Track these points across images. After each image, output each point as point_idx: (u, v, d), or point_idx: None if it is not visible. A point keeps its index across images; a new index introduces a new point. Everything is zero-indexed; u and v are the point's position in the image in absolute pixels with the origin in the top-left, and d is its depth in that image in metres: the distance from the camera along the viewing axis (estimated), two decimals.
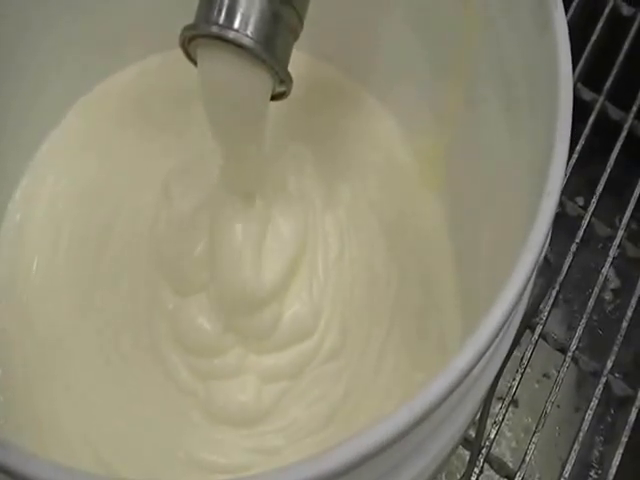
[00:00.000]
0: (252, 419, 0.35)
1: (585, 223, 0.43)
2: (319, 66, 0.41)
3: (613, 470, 0.38)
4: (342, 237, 0.38)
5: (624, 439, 0.38)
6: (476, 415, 0.30)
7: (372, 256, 0.38)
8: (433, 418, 0.21)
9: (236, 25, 0.26)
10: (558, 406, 0.47)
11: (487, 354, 0.21)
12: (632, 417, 0.39)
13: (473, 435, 0.38)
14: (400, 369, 0.35)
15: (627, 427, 0.39)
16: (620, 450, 0.38)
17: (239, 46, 0.26)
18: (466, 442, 0.38)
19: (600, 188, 0.44)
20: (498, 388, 0.38)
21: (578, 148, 0.44)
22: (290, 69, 0.29)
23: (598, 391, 0.40)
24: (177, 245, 0.36)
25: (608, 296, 0.51)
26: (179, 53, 0.28)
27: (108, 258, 0.37)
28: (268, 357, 0.36)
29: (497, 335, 0.21)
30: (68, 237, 0.37)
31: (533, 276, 0.27)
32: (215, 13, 0.26)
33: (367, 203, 0.39)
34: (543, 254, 0.26)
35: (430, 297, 0.37)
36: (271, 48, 0.26)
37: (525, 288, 0.22)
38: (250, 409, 0.35)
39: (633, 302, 0.42)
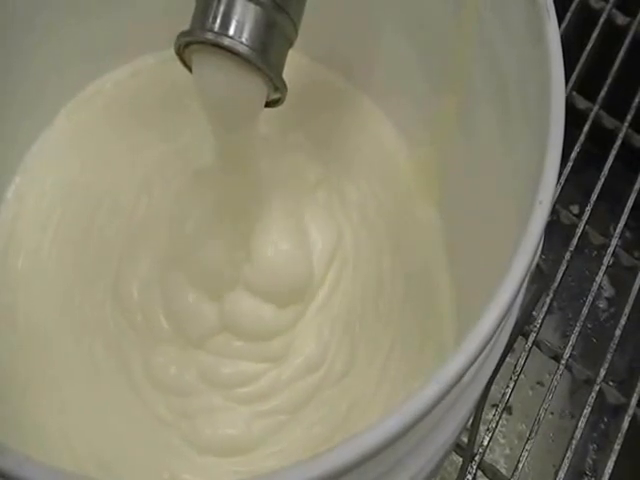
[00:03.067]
0: (243, 449, 0.34)
1: (579, 231, 0.43)
2: (319, 69, 0.41)
3: (606, 478, 0.38)
4: (357, 244, 0.38)
5: (617, 447, 0.38)
6: (468, 421, 0.30)
7: (380, 263, 0.37)
8: (424, 424, 0.22)
9: (231, 32, 0.26)
10: (552, 413, 0.47)
11: (479, 360, 0.22)
12: (625, 425, 0.39)
13: (466, 441, 0.38)
14: (400, 379, 0.35)
15: (620, 435, 0.39)
16: (613, 458, 0.38)
17: (234, 53, 0.26)
18: (460, 449, 0.38)
19: (594, 197, 0.44)
20: (492, 395, 0.38)
21: (573, 156, 0.44)
22: (289, 72, 0.29)
23: (591, 399, 0.40)
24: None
25: (602, 304, 0.51)
26: (171, 53, 0.28)
27: (88, 257, 0.37)
28: (262, 404, 0.35)
29: (488, 342, 0.21)
30: (52, 236, 0.37)
31: (525, 283, 0.27)
32: (210, 20, 0.26)
33: (373, 205, 0.39)
34: (535, 262, 0.26)
35: (430, 305, 0.36)
36: (266, 55, 0.26)
37: (516, 296, 0.22)
38: (241, 440, 0.33)
39: (627, 310, 0.42)
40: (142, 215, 0.37)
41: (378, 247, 0.38)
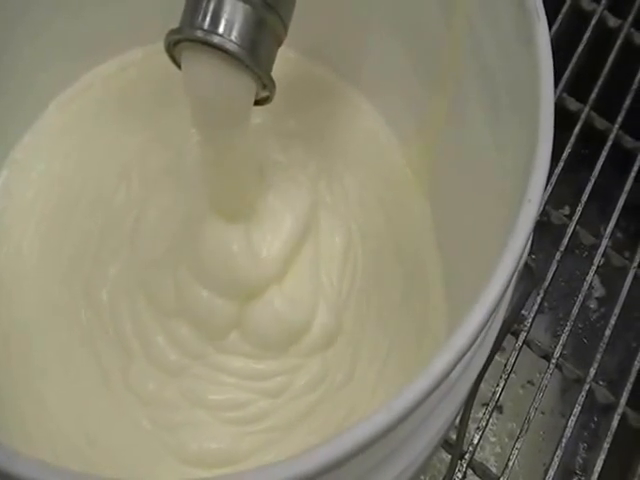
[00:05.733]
0: (231, 461, 0.32)
1: (570, 232, 0.44)
2: (310, 64, 0.41)
3: (595, 476, 0.38)
4: (363, 247, 0.37)
5: (606, 445, 0.39)
6: (456, 418, 0.30)
7: (380, 264, 0.37)
8: (412, 419, 0.22)
9: (221, 30, 0.26)
10: (542, 412, 0.47)
11: (466, 357, 0.22)
12: (615, 424, 0.39)
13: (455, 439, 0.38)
14: (396, 382, 0.34)
15: (610, 434, 0.39)
16: (603, 456, 0.38)
17: (223, 51, 0.26)
18: (449, 446, 0.38)
19: (585, 197, 0.44)
20: (482, 393, 0.38)
21: (564, 157, 0.44)
22: (280, 66, 0.29)
23: (582, 398, 0.40)
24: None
25: (593, 304, 0.51)
26: (160, 47, 0.28)
27: (65, 251, 0.36)
28: (254, 425, 0.33)
29: (475, 339, 0.21)
30: (34, 229, 0.37)
31: (513, 282, 0.27)
32: (200, 18, 0.26)
33: (373, 203, 0.38)
34: (523, 260, 0.26)
35: (425, 304, 0.36)
36: (255, 53, 0.26)
37: (503, 294, 0.22)
38: (229, 454, 0.32)
39: (617, 310, 0.42)
40: (118, 207, 0.37)
41: (379, 247, 0.38)
